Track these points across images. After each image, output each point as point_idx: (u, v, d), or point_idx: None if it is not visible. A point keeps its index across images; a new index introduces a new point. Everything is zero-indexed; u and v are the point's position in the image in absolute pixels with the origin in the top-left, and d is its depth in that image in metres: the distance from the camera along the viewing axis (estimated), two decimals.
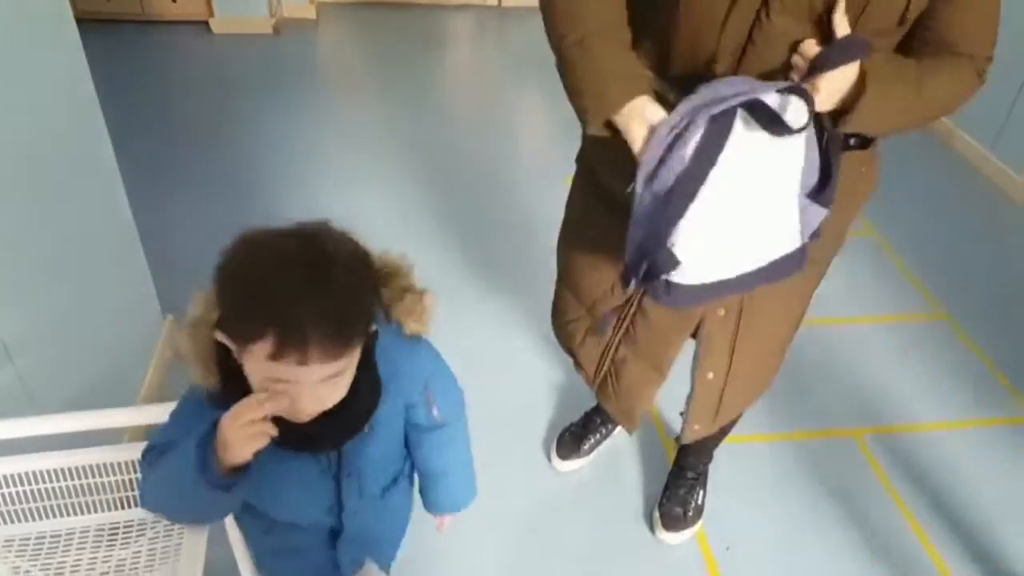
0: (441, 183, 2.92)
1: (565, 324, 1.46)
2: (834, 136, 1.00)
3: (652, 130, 0.95)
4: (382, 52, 3.99)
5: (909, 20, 0.99)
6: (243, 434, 0.81)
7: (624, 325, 1.33)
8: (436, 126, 3.33)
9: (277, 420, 0.85)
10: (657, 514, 1.74)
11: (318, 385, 0.83)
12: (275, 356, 0.79)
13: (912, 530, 1.79)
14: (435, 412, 1.04)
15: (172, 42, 3.86)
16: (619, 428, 1.88)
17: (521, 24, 4.24)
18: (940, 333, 2.37)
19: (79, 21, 1.67)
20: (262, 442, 0.83)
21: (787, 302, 1.30)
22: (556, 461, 1.85)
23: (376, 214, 2.65)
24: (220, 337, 0.85)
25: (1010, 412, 2.11)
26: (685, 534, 1.73)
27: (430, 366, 1.05)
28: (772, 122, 0.91)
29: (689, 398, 1.42)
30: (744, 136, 0.92)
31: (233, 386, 0.86)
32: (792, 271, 1.05)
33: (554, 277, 1.48)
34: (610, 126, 1.00)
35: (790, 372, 2.04)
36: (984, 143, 3.18)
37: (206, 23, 3.94)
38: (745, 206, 0.97)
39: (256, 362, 0.81)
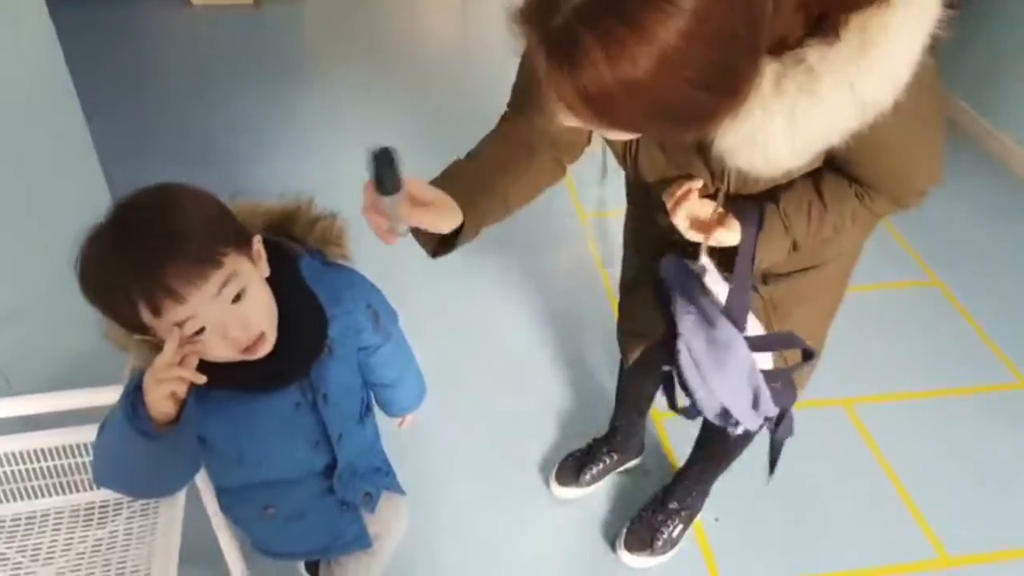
0: (429, 158, 2.88)
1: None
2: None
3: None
4: (365, 23, 3.91)
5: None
6: (155, 383, 0.82)
7: None
8: (422, 98, 3.28)
9: (241, 367, 0.87)
10: (624, 531, 1.66)
11: (226, 310, 0.83)
12: (157, 312, 0.80)
13: (901, 499, 1.79)
14: (380, 325, 1.08)
15: (150, 16, 3.79)
16: (626, 459, 1.78)
17: None
18: (933, 300, 2.35)
19: None
20: (175, 387, 0.83)
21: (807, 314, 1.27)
22: (554, 486, 1.75)
23: (356, 188, 2.61)
24: (134, 337, 0.86)
25: (1001, 379, 2.10)
26: (645, 561, 1.62)
27: (366, 287, 1.08)
28: None
29: None
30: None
31: None
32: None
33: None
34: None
35: None
36: (981, 111, 3.15)
37: None
38: None
39: (158, 329, 0.83)
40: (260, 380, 0.92)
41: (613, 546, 1.66)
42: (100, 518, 1.21)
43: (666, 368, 1.24)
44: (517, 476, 1.82)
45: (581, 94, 0.67)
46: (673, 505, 1.65)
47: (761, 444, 1.88)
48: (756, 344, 1.09)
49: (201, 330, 0.83)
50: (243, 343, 0.86)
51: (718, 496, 1.73)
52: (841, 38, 0.76)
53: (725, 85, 0.71)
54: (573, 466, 1.75)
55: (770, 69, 0.78)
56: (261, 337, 0.88)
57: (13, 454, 1.17)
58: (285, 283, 0.93)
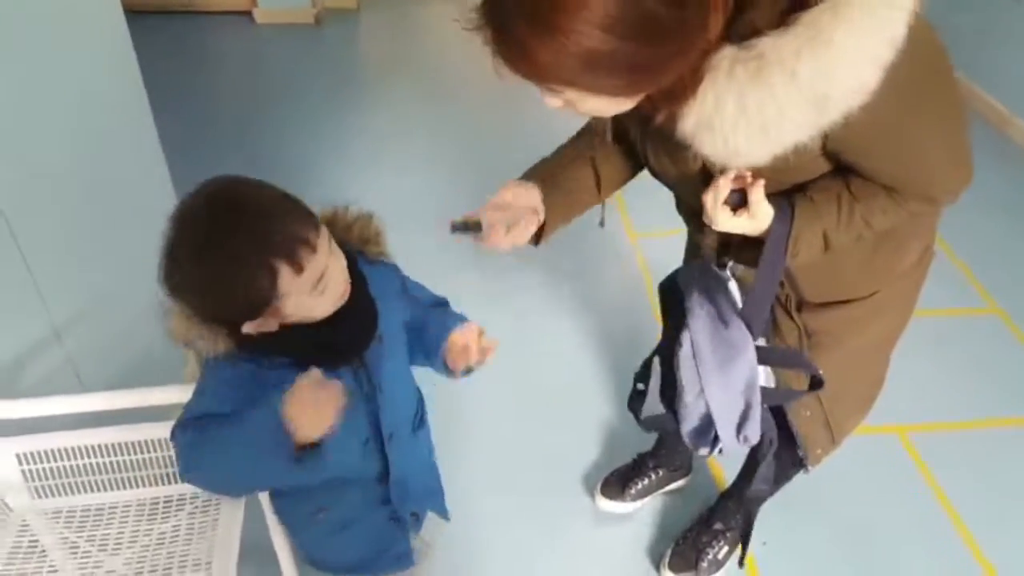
0: (485, 174, 2.91)
1: None
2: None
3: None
4: (422, 40, 4.00)
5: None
6: (309, 416, 0.87)
7: None
8: (476, 114, 3.33)
9: (302, 337, 0.93)
10: (669, 551, 1.65)
11: (333, 258, 0.93)
12: (299, 270, 0.87)
13: (957, 530, 1.74)
14: (408, 293, 1.13)
15: (217, 33, 3.93)
16: (672, 478, 1.77)
17: None
18: (992, 328, 2.29)
19: (127, 13, 1.70)
20: (330, 418, 0.88)
21: (859, 345, 1.23)
22: (599, 499, 1.75)
23: (415, 203, 2.66)
24: (251, 327, 0.91)
25: None
26: None
27: (401, 276, 1.15)
28: None
29: (799, 436, 1.32)
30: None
31: (253, 343, 0.93)
32: None
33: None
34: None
35: None
36: None
37: (250, 13, 4.00)
38: None
39: (294, 293, 0.88)
40: (319, 350, 0.96)
41: (658, 567, 1.65)
42: (164, 512, 1.26)
43: (640, 386, 1.27)
44: (562, 492, 1.82)
45: (528, 68, 0.77)
46: (718, 526, 1.63)
47: (811, 472, 1.85)
48: (764, 355, 1.06)
49: (322, 281, 0.90)
50: (343, 288, 0.95)
51: (767, 520, 1.70)
52: (793, 29, 0.77)
53: (649, 35, 0.73)
54: (618, 481, 1.75)
55: (727, 55, 0.80)
56: (348, 282, 0.96)
57: (84, 448, 1.22)
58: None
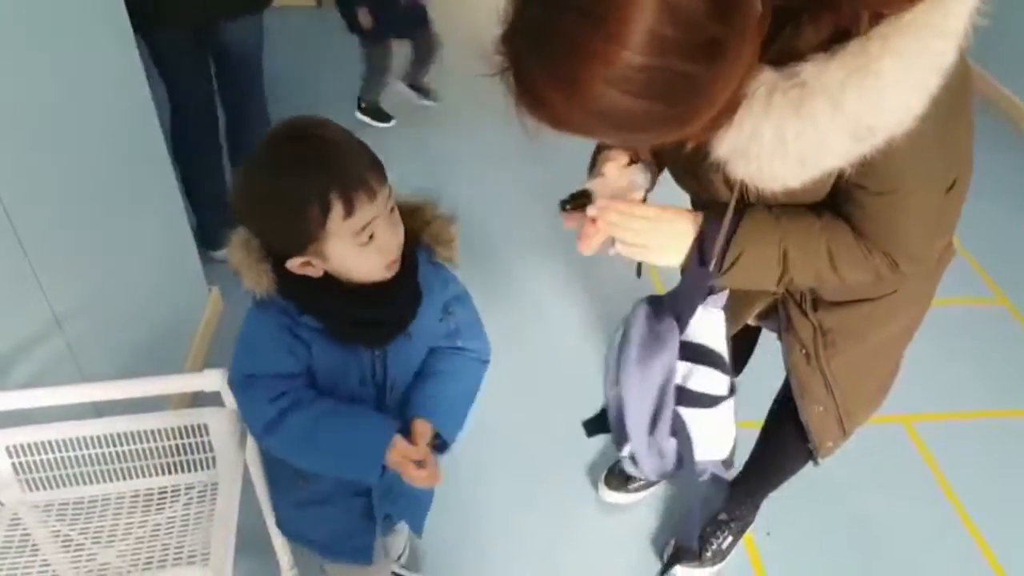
0: (491, 156, 2.88)
1: None
2: None
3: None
4: None
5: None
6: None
7: None
8: (482, 94, 3.28)
9: (339, 314, 0.96)
10: (672, 541, 1.64)
11: (389, 219, 0.93)
12: (350, 211, 0.88)
13: (961, 519, 1.72)
14: (452, 325, 1.09)
15: None
16: None
17: None
18: (999, 319, 2.26)
19: None
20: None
21: (870, 337, 1.20)
22: (603, 490, 1.75)
23: (418, 188, 2.62)
24: (295, 263, 0.93)
25: None
26: (694, 572, 1.60)
27: (456, 289, 1.11)
28: None
29: (810, 431, 1.31)
30: None
31: (294, 286, 0.95)
32: None
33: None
34: None
35: None
36: None
37: None
38: None
39: (338, 236, 0.90)
40: (350, 320, 0.97)
41: (662, 556, 1.64)
42: (159, 503, 1.24)
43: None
44: (567, 483, 1.80)
45: (547, 118, 0.73)
46: (722, 516, 1.62)
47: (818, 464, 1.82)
48: (689, 352, 1.05)
49: (371, 237, 0.91)
50: (392, 254, 0.95)
51: (771, 511, 1.69)
52: (838, 56, 0.72)
53: (678, 94, 0.67)
54: (622, 472, 1.74)
55: (765, 80, 0.75)
56: (399, 255, 0.96)
57: (76, 439, 1.20)
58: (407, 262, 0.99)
